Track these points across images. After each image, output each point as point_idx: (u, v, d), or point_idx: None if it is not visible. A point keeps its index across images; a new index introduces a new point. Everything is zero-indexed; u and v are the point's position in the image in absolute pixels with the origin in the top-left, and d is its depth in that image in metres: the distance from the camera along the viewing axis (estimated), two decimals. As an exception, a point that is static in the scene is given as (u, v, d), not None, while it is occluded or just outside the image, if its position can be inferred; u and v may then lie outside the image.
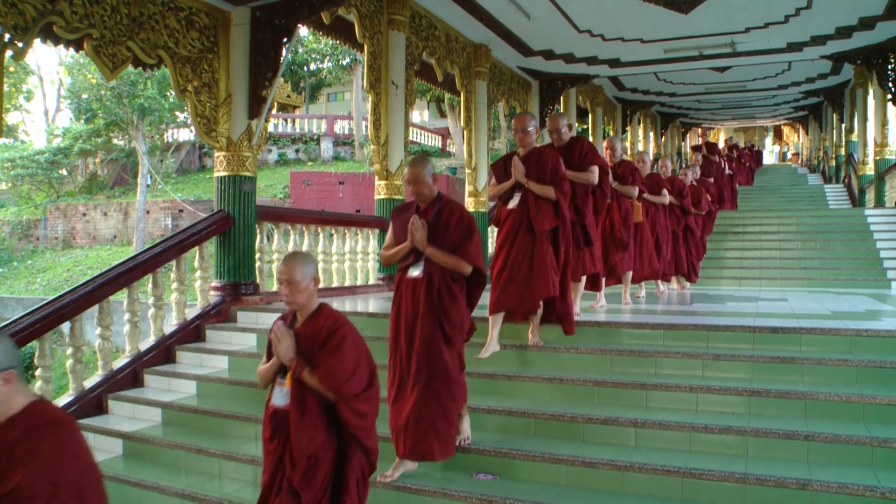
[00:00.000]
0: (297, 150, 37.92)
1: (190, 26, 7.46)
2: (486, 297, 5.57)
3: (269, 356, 3.86)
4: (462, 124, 12.30)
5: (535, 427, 5.20)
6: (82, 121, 34.17)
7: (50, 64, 77.22)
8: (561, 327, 6.11)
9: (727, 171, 18.32)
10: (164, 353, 7.39)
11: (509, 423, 5.28)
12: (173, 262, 7.70)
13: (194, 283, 8.12)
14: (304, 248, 9.18)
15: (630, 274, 8.27)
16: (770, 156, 39.90)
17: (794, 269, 12.32)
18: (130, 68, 7.76)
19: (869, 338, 5.46)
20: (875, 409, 4.73)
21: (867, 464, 4.35)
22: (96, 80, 29.91)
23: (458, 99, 12.41)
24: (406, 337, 4.70)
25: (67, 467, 2.45)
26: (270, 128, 35.21)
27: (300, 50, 41.20)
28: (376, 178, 9.87)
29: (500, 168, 6.07)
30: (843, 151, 20.91)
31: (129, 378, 7.10)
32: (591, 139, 17.43)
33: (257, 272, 8.35)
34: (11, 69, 36.83)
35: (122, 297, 7.47)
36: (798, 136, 36.75)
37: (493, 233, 12.07)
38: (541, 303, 5.92)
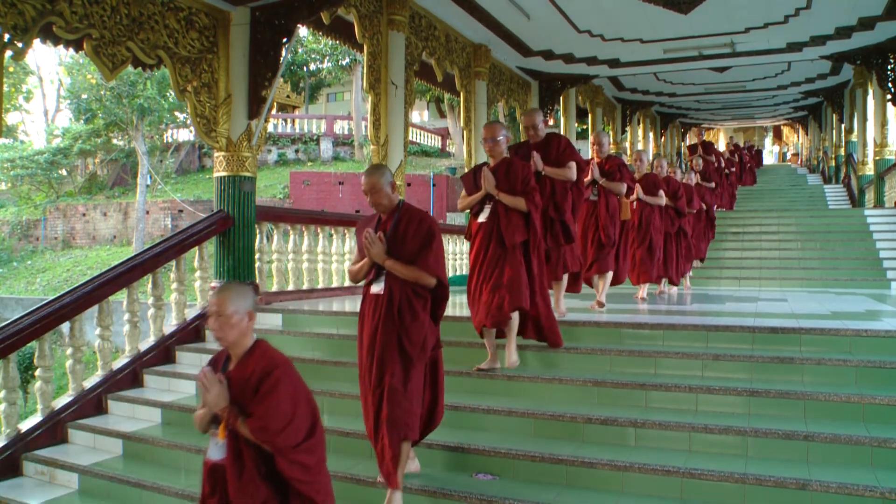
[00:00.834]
0: (296, 151, 37.95)
1: (189, 26, 7.45)
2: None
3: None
4: (462, 124, 12.29)
5: (535, 427, 5.20)
6: (82, 121, 34.18)
7: (50, 64, 77.28)
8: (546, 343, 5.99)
9: (726, 172, 18.31)
10: (163, 353, 7.39)
11: (509, 424, 5.28)
12: (173, 263, 7.70)
13: (194, 284, 8.13)
14: (304, 247, 9.18)
15: (611, 274, 8.01)
16: (770, 156, 39.91)
17: (794, 269, 12.32)
18: (130, 68, 7.76)
19: (868, 338, 5.46)
20: (875, 410, 4.74)
21: (867, 464, 4.35)
22: (96, 80, 29.94)
23: (458, 99, 12.40)
24: (368, 356, 4.49)
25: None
26: (270, 128, 35.20)
27: (300, 50, 41.20)
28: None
29: (471, 179, 5.85)
30: (842, 151, 20.91)
31: (128, 378, 7.10)
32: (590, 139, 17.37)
33: (257, 272, 8.35)
34: (11, 69, 36.82)
35: (121, 297, 7.47)
36: (798, 137, 36.74)
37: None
38: (515, 316, 5.72)
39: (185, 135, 37.11)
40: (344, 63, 38.25)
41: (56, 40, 6.36)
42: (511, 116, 25.11)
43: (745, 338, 5.76)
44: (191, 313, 7.80)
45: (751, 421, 4.80)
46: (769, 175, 25.01)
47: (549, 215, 6.26)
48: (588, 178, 7.58)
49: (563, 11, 11.10)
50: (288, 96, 44.32)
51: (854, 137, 18.89)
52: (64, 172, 37.36)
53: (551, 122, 27.98)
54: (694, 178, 11.20)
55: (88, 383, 6.84)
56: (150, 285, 7.60)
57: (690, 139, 30.43)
